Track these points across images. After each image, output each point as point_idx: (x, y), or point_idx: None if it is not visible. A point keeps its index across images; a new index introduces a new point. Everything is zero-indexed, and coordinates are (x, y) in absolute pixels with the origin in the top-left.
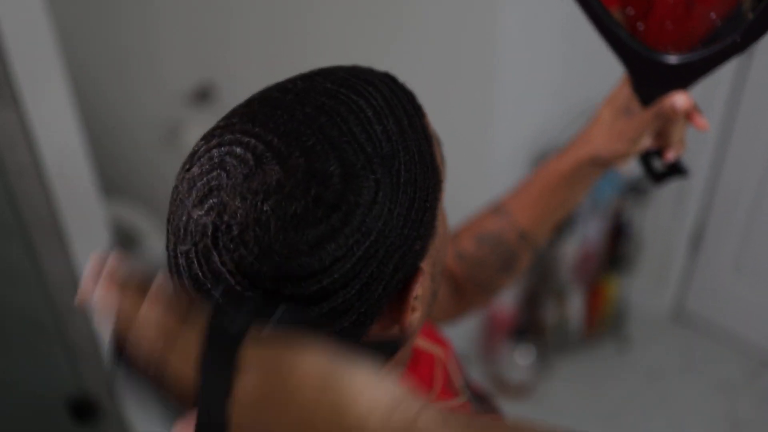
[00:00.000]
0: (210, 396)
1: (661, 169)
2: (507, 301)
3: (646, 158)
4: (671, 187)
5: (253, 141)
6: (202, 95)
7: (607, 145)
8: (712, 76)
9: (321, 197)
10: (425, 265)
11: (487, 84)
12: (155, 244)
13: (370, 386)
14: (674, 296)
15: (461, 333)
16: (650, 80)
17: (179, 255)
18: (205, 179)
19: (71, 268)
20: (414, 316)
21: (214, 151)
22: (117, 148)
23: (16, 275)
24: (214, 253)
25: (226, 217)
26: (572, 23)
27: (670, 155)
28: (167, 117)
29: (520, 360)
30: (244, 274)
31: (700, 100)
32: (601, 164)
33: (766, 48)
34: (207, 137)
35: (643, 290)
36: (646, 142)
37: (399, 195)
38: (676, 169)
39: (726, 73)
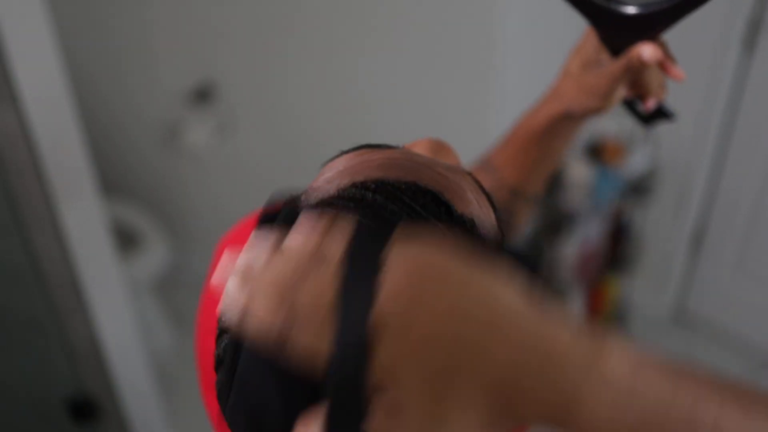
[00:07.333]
0: (353, 295)
1: (647, 113)
2: None
3: (630, 104)
4: (672, 188)
5: None
6: (203, 95)
7: (579, 101)
8: (713, 76)
9: None
10: None
11: (487, 84)
12: (155, 244)
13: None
14: (675, 297)
15: None
16: (614, 31)
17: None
18: None
19: (70, 269)
20: None
21: None
22: (117, 148)
23: (15, 275)
24: None
25: None
26: (574, 23)
27: (650, 103)
28: (167, 117)
29: None
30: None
31: (701, 99)
32: (577, 118)
33: (767, 46)
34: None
35: (643, 291)
36: (621, 93)
37: None
38: (661, 114)
39: (727, 71)
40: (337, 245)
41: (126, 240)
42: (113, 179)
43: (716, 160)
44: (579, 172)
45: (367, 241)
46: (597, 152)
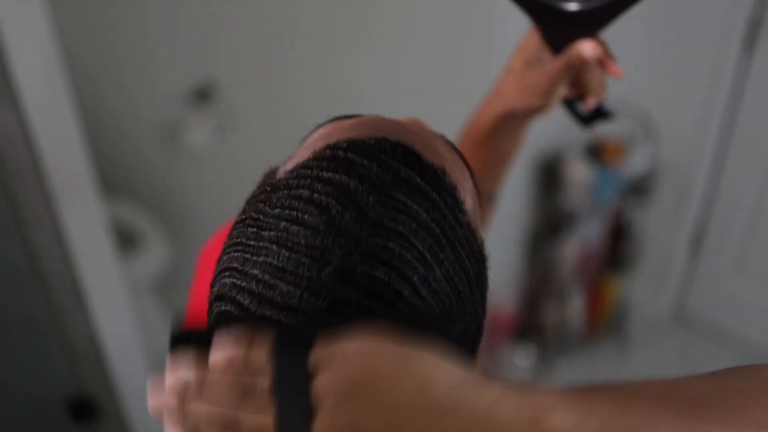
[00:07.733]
0: (289, 405)
1: (586, 113)
2: (507, 301)
3: (570, 104)
4: (672, 188)
5: None
6: (203, 94)
7: (521, 99)
8: (713, 76)
9: None
10: None
11: (487, 84)
12: (155, 244)
13: (451, 370)
14: (675, 297)
15: None
16: (555, 28)
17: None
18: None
19: (70, 269)
20: None
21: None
22: (117, 148)
23: (15, 275)
24: None
25: None
26: None
27: (591, 102)
28: (167, 117)
29: (520, 361)
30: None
31: (701, 99)
32: (520, 117)
33: (767, 46)
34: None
35: (643, 291)
36: (562, 92)
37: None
38: (600, 114)
39: (727, 71)
40: (262, 363)
41: (126, 240)
42: (113, 179)
43: (716, 160)
44: (579, 172)
45: (290, 354)
46: (597, 152)
